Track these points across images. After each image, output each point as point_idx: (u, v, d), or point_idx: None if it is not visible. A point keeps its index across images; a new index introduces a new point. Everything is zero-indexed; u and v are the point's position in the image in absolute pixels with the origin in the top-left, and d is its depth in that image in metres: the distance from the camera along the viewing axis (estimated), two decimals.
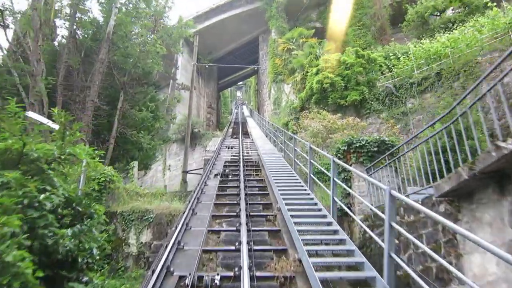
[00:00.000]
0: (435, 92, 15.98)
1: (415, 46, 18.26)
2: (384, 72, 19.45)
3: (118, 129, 13.39)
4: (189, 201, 7.95)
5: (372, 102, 18.00)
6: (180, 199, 10.22)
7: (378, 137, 7.46)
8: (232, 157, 15.39)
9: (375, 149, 7.28)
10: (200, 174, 16.51)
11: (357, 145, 7.33)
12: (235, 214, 7.26)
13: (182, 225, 6.33)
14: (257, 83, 50.57)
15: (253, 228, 6.30)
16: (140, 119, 14.08)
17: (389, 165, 7.32)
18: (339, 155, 7.71)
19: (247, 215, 7.02)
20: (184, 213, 7.07)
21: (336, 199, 6.01)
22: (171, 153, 30.68)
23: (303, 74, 22.60)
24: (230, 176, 11.46)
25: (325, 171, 7.06)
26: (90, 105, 11.61)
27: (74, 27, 14.22)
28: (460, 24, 19.81)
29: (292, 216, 6.24)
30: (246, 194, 8.69)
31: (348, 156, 7.45)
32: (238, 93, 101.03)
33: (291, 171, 10.70)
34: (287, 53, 28.29)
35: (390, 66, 19.02)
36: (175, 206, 8.25)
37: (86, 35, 15.08)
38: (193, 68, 23.21)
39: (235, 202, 8.16)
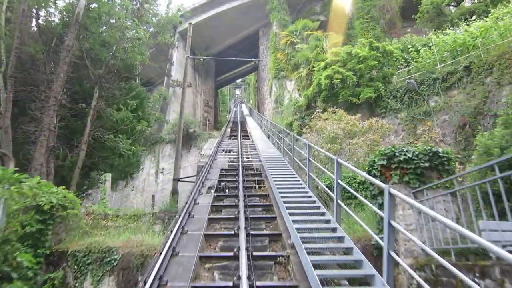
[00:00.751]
0: (463, 88, 13.97)
1: (437, 37, 16.21)
2: (401, 67, 17.44)
3: (92, 132, 11.30)
4: (171, 232, 5.92)
5: (389, 100, 16.00)
6: (164, 223, 8.10)
7: (429, 148, 5.44)
8: (230, 164, 13.36)
9: (426, 164, 5.29)
10: (193, 182, 14.51)
11: (401, 159, 5.32)
12: (232, 254, 5.24)
13: (154, 279, 4.30)
14: (257, 80, 48.47)
15: (258, 284, 4.27)
16: (119, 120, 11.97)
17: (444, 186, 5.32)
18: (373, 171, 5.68)
19: (248, 255, 4.99)
20: (160, 254, 5.04)
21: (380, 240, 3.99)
22: (165, 155, 28.64)
23: (308, 69, 20.57)
24: (227, 191, 9.42)
25: (353, 191, 5.05)
26: (53, 103, 9.54)
27: (36, 7, 12.05)
28: (480, 15, 17.86)
29: (314, 264, 4.25)
30: (246, 218, 6.68)
31: (388, 173, 5.44)
32: (237, 92, 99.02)
33: (301, 183, 8.70)
34: (290, 47, 26.26)
35: (408, 60, 16.99)
36: (150, 242, 6.21)
37: (58, 21, 12.89)
38: (186, 61, 21.06)
39: (232, 232, 6.15)
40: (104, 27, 13.03)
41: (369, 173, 5.72)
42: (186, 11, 35.79)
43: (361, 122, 11.84)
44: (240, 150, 16.39)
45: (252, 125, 28.85)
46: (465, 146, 12.80)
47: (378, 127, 11.36)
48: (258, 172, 11.79)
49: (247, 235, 5.90)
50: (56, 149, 10.27)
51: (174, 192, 16.50)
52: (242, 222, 6.31)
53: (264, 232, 6.44)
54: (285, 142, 13.70)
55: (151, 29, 36.84)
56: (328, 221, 5.74)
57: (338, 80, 16.24)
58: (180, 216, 6.83)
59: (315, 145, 10.37)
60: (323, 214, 6.08)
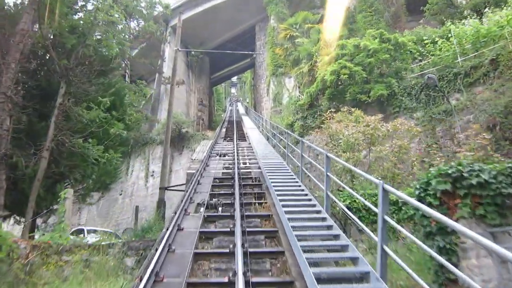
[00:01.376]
0: (490, 84, 12.34)
1: (456, 27, 14.57)
2: (413, 61, 15.80)
3: (57, 137, 9.46)
4: (139, 281, 4.19)
5: (403, 98, 14.34)
6: (139, 255, 6.30)
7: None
8: (225, 171, 11.66)
9: (510, 190, 3.61)
10: (183, 190, 12.78)
11: (473, 182, 3.64)
12: None
13: None
14: (253, 77, 46.74)
15: None
16: (89, 121, 10.12)
17: None
18: (429, 198, 3.97)
19: None
20: None
21: None
22: (155, 157, 26.85)
23: (310, 64, 18.89)
24: (220, 209, 7.70)
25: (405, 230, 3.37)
26: (1, 99, 7.80)
27: None
28: (499, 5, 16.26)
29: None
30: (245, 254, 5.00)
31: (452, 203, 3.75)
32: (233, 90, 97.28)
33: (314, 204, 6.99)
34: (290, 41, 24.57)
35: (424, 53, 15.34)
36: None
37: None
38: (175, 54, 19.21)
39: (226, 280, 4.44)
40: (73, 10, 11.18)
41: (420, 199, 4.02)
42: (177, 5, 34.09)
43: (384, 124, 10.09)
44: (236, 154, 14.69)
45: (249, 125, 27.16)
46: (495, 150, 11.18)
47: (408, 130, 9.60)
48: (257, 183, 10.09)
49: (247, 284, 4.21)
50: (9, 156, 8.48)
51: (161, 202, 14.69)
52: (239, 261, 4.60)
53: (270, 279, 4.72)
54: (289, 147, 11.99)
55: (141, 23, 35.09)
56: (365, 277, 3.96)
57: (346, 76, 14.57)
58: (156, 252, 5.09)
59: (326, 152, 8.68)
60: (355, 260, 4.33)
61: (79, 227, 23.50)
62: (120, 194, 28.02)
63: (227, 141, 21.22)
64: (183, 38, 38.11)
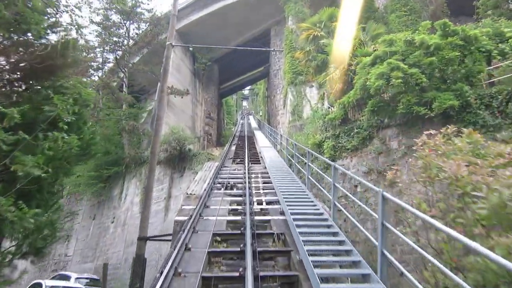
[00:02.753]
0: None
1: None
2: (490, 61, 12.05)
3: None
4: None
5: (480, 111, 10.55)
6: None
7: None
8: (231, 219, 8.06)
9: None
10: (169, 240, 9.15)
11: None
12: None
13: None
14: (267, 88, 43.39)
15: None
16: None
17: None
18: None
19: None
20: None
21: None
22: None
23: (343, 68, 15.25)
24: None
25: None
26: None
27: None
28: None
29: None
30: None
31: None
32: (244, 103, 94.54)
33: None
34: (313, 43, 21.05)
35: (506, 51, 11.57)
36: None
37: None
38: (167, 52, 15.69)
39: None
40: None
41: None
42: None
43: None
44: (248, 185, 11.05)
45: (262, 143, 23.55)
46: None
47: None
48: (282, 249, 6.39)
49: None
50: None
51: (139, 260, 10.91)
52: None
53: None
54: (336, 190, 8.29)
55: (142, 27, 32.17)
56: None
57: (399, 81, 10.86)
58: None
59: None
60: None
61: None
62: (112, 222, 24.54)
63: (237, 163, 17.62)
64: (189, 44, 35.13)
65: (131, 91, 37.46)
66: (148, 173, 13.98)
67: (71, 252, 26.96)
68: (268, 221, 7.81)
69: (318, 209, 7.88)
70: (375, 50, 14.95)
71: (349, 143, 13.30)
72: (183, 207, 9.10)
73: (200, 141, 33.34)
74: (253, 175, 13.52)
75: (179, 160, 21.88)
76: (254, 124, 49.50)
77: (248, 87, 77.92)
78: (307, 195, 9.37)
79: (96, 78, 29.18)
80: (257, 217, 7.86)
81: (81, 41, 29.23)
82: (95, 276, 17.59)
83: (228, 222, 7.84)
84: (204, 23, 31.89)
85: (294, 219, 6.83)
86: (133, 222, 22.90)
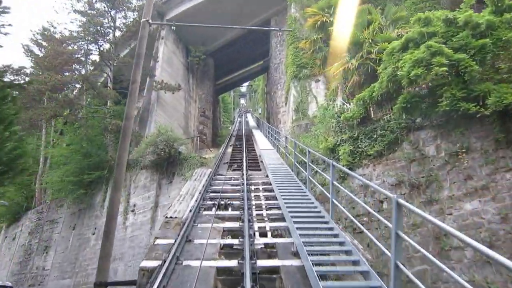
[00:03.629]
0: None
1: None
2: None
3: None
4: None
5: None
6: None
7: None
8: (224, 266, 5.57)
9: None
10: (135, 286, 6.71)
11: None
12: None
13: None
14: (267, 84, 40.92)
15: None
16: None
17: None
18: None
19: None
20: None
21: None
22: (138, 186, 20.89)
23: (361, 56, 12.83)
24: None
25: None
26: None
27: None
28: None
29: None
30: None
31: None
32: (242, 101, 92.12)
33: None
34: (320, 31, 18.61)
35: None
36: None
37: None
38: (143, 32, 12.66)
39: None
40: None
41: None
42: None
43: None
44: (247, 203, 8.62)
45: (262, 144, 21.13)
46: None
47: None
48: None
49: None
50: None
51: None
52: None
53: None
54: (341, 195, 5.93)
55: (129, 17, 29.58)
56: None
57: (444, 69, 8.42)
58: None
59: None
60: None
61: None
62: (93, 234, 22.05)
63: (233, 169, 15.19)
64: (181, 36, 32.63)
65: (121, 87, 34.98)
66: (111, 192, 11.46)
67: (49, 265, 24.48)
68: (277, 269, 5.37)
69: (351, 255, 5.43)
70: (399, 36, 12.54)
71: (371, 148, 10.88)
72: (156, 241, 6.63)
73: (193, 141, 30.87)
74: (253, 187, 11.11)
75: (168, 164, 19.40)
76: (252, 122, 46.99)
77: (246, 84, 75.58)
78: (327, 222, 6.95)
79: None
80: (260, 262, 5.42)
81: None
82: (8, 284, 15.34)
83: (219, 270, 5.40)
84: (197, 13, 29.34)
85: (319, 272, 4.41)
86: (116, 234, 20.39)
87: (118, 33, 30.05)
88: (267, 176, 12.62)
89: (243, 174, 12.92)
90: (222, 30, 32.36)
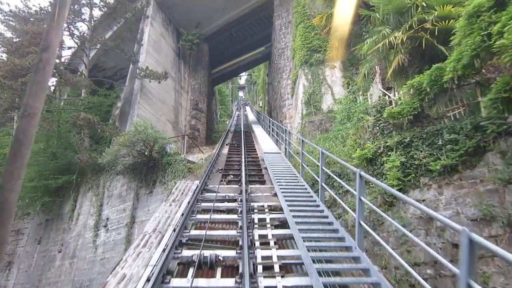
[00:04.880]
0: None
1: None
2: None
3: None
4: None
5: None
6: None
7: None
8: None
9: None
10: None
11: None
12: None
13: None
14: (268, 73, 37.17)
15: None
16: None
17: None
18: None
19: None
20: None
21: None
22: (113, 195, 17.30)
23: (408, 28, 9.18)
24: None
25: None
26: None
27: None
28: None
29: None
30: None
31: None
32: (240, 94, 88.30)
33: None
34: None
35: None
36: None
37: None
38: None
39: None
40: None
41: None
42: None
43: None
44: (247, 254, 5.07)
45: (265, 144, 17.48)
46: None
47: None
48: None
49: None
50: None
51: None
52: None
53: None
54: None
55: None
56: None
57: None
58: None
59: None
60: None
61: None
62: (60, 251, 18.50)
63: (229, 182, 11.58)
64: (170, 17, 28.88)
65: (104, 76, 31.35)
66: None
67: (11, 285, 20.95)
68: None
69: None
70: None
71: (435, 160, 7.29)
72: None
73: (185, 139, 27.26)
74: (256, 216, 7.60)
75: (148, 169, 15.81)
76: (252, 116, 43.30)
77: (245, 74, 71.80)
78: None
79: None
80: None
81: None
82: None
83: None
84: None
85: None
86: (84, 254, 16.86)
87: (97, 13, 26.37)
88: (275, 195, 9.13)
89: (241, 191, 9.37)
90: (219, 10, 28.63)
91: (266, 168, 12.81)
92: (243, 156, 15.14)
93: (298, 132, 16.69)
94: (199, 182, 10.55)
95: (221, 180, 11.48)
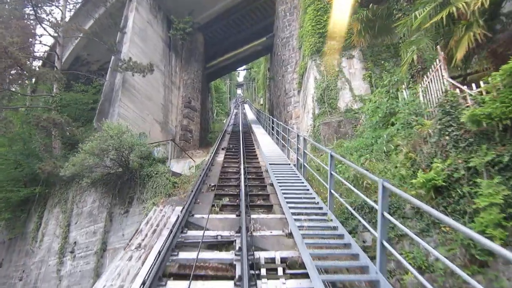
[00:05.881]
0: None
1: None
2: None
3: None
4: None
5: None
6: None
7: None
8: None
9: None
10: None
11: None
12: None
13: None
14: (270, 67, 34.12)
15: None
16: None
17: None
18: None
19: None
20: None
21: None
22: (82, 213, 14.33)
23: None
24: None
25: None
26: None
27: None
28: None
29: None
30: None
31: None
32: (239, 91, 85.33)
33: None
34: None
35: None
36: None
37: None
38: None
39: None
40: None
41: None
42: None
43: None
44: None
45: (268, 151, 14.38)
46: None
47: None
48: None
49: None
50: None
51: None
52: None
53: None
54: None
55: None
56: None
57: None
58: None
59: None
60: None
61: None
62: (20, 279, 15.54)
63: (222, 208, 8.62)
64: (160, 2, 25.85)
65: (88, 70, 28.40)
66: None
67: None
68: None
69: None
70: None
71: None
72: None
73: (176, 142, 24.30)
74: (264, 281, 4.72)
75: (123, 184, 12.84)
76: (251, 115, 40.32)
77: (243, 69, 68.84)
78: None
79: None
80: None
81: None
82: None
83: None
84: None
85: None
86: (46, 286, 13.90)
87: None
88: (289, 235, 6.33)
89: (240, 227, 6.48)
90: None
91: (271, 185, 9.93)
92: (242, 166, 12.24)
93: (309, 136, 13.78)
94: (182, 210, 7.63)
95: (213, 205, 8.52)
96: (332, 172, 6.36)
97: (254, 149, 17.78)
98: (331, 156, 6.38)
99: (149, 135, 20.75)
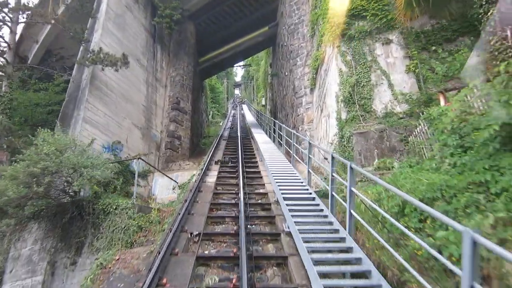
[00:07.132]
0: None
1: None
2: None
3: None
4: None
5: None
6: None
7: None
8: None
9: None
10: None
11: None
12: None
13: None
14: (273, 62, 30.36)
15: None
16: None
17: None
18: None
19: None
20: None
21: None
22: (19, 257, 10.57)
23: None
24: None
25: None
26: None
27: None
28: None
29: None
30: None
31: None
32: (236, 91, 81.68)
33: None
34: None
35: None
36: None
37: None
38: None
39: None
40: None
41: None
42: None
43: None
44: None
45: (280, 173, 10.41)
46: None
47: None
48: None
49: None
50: None
51: None
52: None
53: None
54: None
55: None
56: None
57: None
58: None
59: None
60: None
61: None
62: None
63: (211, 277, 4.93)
64: None
65: (63, 66, 24.59)
66: None
67: None
68: None
69: None
70: None
71: None
72: None
73: (161, 151, 20.57)
74: None
75: (70, 222, 9.10)
76: (250, 117, 36.65)
77: (241, 67, 65.07)
78: None
79: None
80: None
81: None
82: None
83: None
84: None
85: None
86: None
87: None
88: None
89: None
90: None
91: (289, 234, 6.30)
92: (241, 192, 8.70)
93: (336, 151, 10.08)
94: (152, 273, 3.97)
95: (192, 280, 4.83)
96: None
97: (256, 162, 14.13)
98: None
99: (126, 144, 17.10)
